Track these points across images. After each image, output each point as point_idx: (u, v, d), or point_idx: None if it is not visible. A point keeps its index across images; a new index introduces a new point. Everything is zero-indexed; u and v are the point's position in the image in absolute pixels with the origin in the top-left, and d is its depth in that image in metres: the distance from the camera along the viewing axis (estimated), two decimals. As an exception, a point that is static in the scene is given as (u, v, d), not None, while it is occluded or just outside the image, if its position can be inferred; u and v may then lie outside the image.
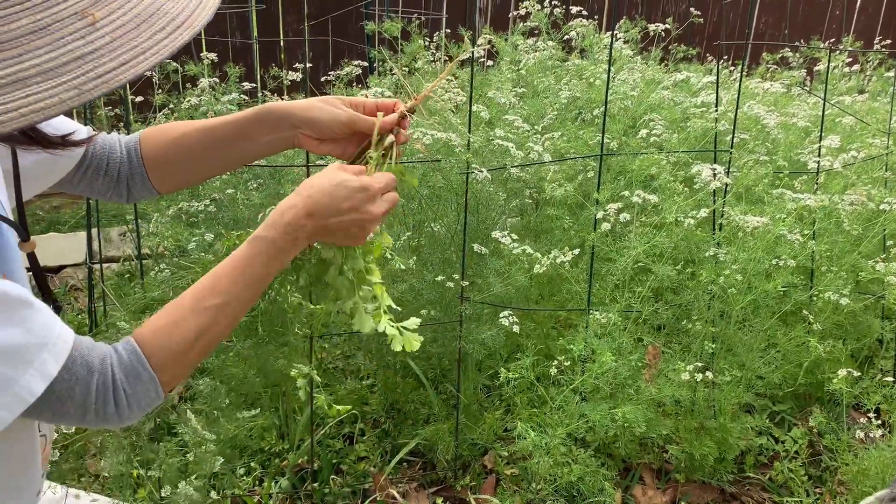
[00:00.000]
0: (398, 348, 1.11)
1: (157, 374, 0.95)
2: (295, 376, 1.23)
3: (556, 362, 2.02)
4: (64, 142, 0.94)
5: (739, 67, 4.09)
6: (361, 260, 1.14)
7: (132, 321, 3.34)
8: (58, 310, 1.23)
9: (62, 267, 4.07)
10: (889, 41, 4.80)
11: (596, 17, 3.33)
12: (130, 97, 3.51)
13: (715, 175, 2.05)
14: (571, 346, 2.04)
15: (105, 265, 3.87)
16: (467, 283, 2.24)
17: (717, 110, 2.47)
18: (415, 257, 2.17)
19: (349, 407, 1.21)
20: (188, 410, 2.67)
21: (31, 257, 1.07)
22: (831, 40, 5.10)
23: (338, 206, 1.05)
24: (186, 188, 2.35)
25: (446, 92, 2.47)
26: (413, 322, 1.14)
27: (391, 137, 1.18)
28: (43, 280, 1.11)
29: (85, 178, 1.21)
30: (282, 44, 5.31)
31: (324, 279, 1.14)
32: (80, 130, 1.16)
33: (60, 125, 1.09)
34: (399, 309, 1.18)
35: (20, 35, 0.67)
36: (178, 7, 0.77)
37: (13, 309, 0.84)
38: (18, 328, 0.84)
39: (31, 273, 1.09)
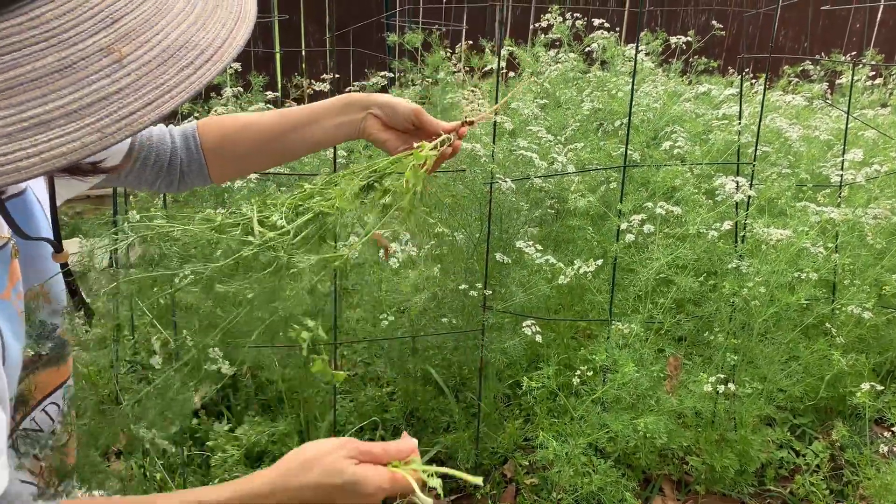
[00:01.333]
0: None
1: None
2: (296, 335, 1.07)
3: (578, 372, 2.03)
4: (95, 169, 0.96)
5: (762, 80, 4.10)
6: None
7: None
8: (89, 317, 1.25)
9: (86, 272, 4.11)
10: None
11: (616, 29, 3.34)
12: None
13: (738, 187, 2.06)
14: (594, 357, 2.05)
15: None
16: (490, 292, 2.25)
17: (740, 123, 2.47)
18: (438, 266, 2.19)
19: (345, 373, 1.11)
20: (209, 417, 2.70)
21: (64, 267, 1.09)
22: (852, 53, 5.09)
23: (327, 494, 0.92)
24: (241, 177, 2.38)
25: (470, 103, 2.50)
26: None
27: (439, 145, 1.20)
28: (75, 289, 1.13)
29: (133, 172, 1.24)
30: (304, 54, 5.37)
31: None
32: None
33: None
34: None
35: (45, 74, 0.65)
36: (209, 37, 0.75)
37: None
38: None
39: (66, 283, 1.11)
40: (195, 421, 2.77)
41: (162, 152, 1.25)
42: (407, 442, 0.98)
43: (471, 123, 1.23)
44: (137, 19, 0.71)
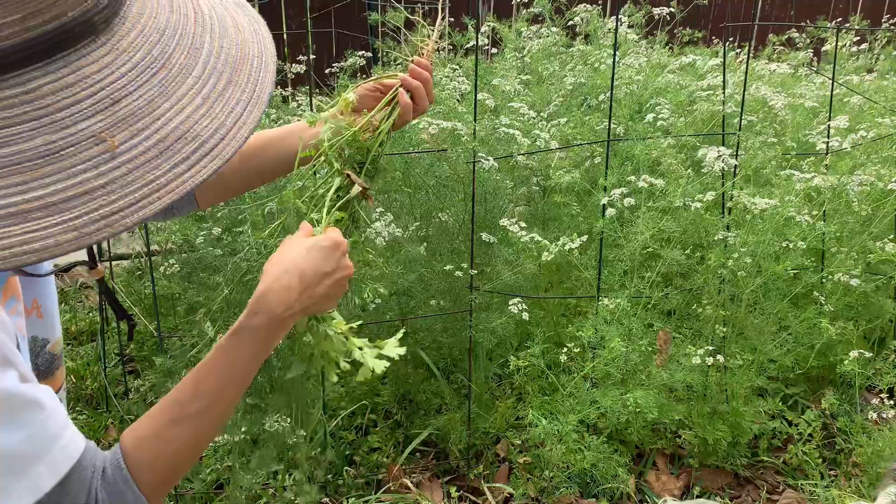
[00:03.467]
0: (361, 378, 1.07)
1: (142, 489, 0.84)
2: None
3: (565, 349, 2.01)
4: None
5: (746, 49, 4.06)
6: (338, 317, 1.11)
7: (144, 317, 3.36)
8: (132, 327, 1.22)
9: (73, 265, 4.08)
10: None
11: (599, 2, 3.30)
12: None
13: (720, 157, 2.04)
14: (580, 333, 2.04)
15: (115, 262, 3.88)
16: (476, 272, 2.23)
17: (724, 93, 2.45)
18: (424, 246, 2.17)
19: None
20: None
21: (101, 282, 1.06)
22: (838, 20, 5.05)
23: (322, 270, 0.97)
24: (225, 200, 2.34)
25: (451, 81, 2.46)
26: (393, 345, 1.11)
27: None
28: (115, 301, 1.10)
29: None
30: (285, 37, 5.30)
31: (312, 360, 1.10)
32: None
33: None
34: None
35: (31, 158, 0.61)
36: (213, 126, 0.70)
37: (17, 411, 0.74)
38: (18, 434, 0.73)
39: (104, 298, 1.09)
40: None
41: None
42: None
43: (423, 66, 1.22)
44: (139, 101, 0.66)
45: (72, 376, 2.99)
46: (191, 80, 0.71)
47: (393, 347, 1.10)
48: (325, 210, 1.08)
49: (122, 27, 0.69)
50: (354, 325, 1.13)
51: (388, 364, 1.08)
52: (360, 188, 1.13)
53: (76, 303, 3.83)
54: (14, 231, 0.60)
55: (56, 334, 1.08)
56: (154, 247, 3.21)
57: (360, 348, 1.09)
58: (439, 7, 1.37)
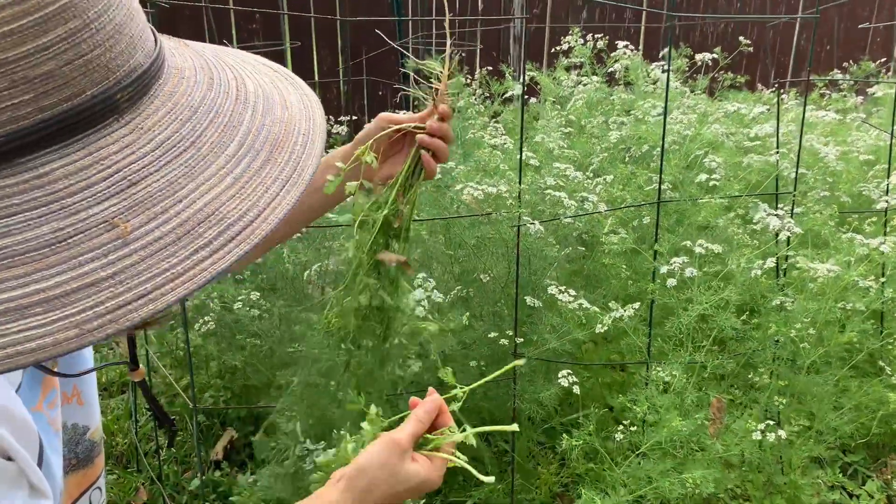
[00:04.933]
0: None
1: None
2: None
3: (620, 427, 1.91)
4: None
5: (793, 95, 3.97)
6: None
7: (174, 369, 3.30)
8: (174, 433, 1.16)
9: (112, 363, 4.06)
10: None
11: (632, 47, 3.23)
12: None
13: (784, 223, 1.94)
14: (634, 407, 1.94)
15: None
16: (521, 339, 2.15)
17: (777, 151, 2.36)
18: (466, 315, 2.09)
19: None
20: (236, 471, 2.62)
21: (142, 385, 0.99)
22: (882, 59, 4.95)
23: (399, 497, 0.95)
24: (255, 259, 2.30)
25: (493, 138, 2.40)
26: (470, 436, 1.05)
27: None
28: (157, 406, 1.04)
29: None
30: (317, 81, 5.30)
31: None
32: None
33: None
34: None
35: (37, 248, 0.55)
36: (243, 207, 0.62)
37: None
38: None
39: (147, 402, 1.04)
40: (217, 473, 2.68)
41: None
42: (433, 402, 1.01)
43: (437, 108, 1.15)
44: (160, 182, 0.59)
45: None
46: (222, 159, 0.63)
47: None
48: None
49: (150, 106, 0.62)
50: None
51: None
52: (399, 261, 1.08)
53: (107, 351, 3.80)
54: (10, 329, 0.54)
55: (96, 421, 1.03)
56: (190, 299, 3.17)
57: None
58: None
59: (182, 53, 0.72)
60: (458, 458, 1.00)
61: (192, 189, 0.61)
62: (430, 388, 1.05)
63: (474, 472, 1.00)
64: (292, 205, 0.65)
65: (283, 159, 0.68)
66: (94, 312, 0.55)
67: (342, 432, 1.06)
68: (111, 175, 0.58)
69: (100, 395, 3.32)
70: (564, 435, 1.84)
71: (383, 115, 1.16)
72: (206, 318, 2.55)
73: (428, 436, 1.01)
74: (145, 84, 0.63)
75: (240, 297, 2.24)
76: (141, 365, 1.01)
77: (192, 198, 0.60)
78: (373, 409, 1.05)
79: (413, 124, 1.16)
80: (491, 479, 1.00)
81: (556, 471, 2.44)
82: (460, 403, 1.06)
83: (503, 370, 1.12)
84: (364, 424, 1.03)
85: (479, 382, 1.11)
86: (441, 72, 1.14)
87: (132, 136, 0.61)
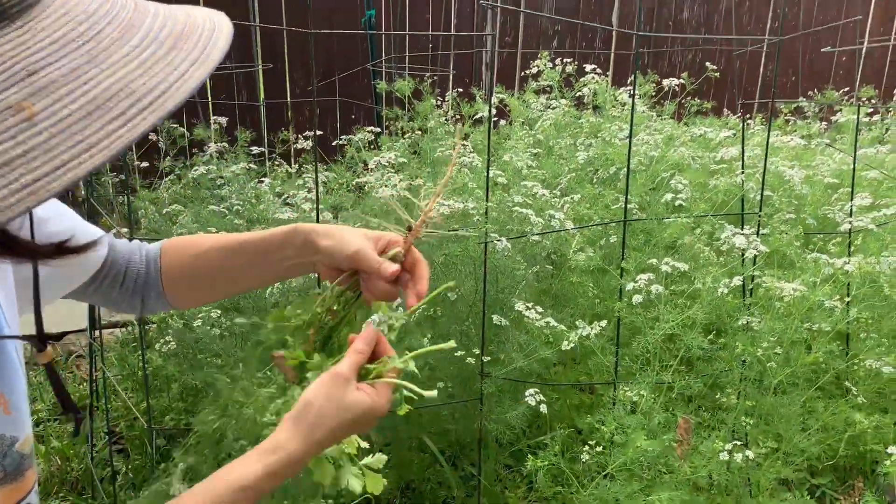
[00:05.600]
0: (359, 490, 1.01)
1: None
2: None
3: (587, 448, 1.89)
4: (60, 249, 0.83)
5: (758, 120, 4.03)
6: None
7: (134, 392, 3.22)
8: (79, 421, 1.12)
9: (65, 333, 3.97)
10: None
11: (605, 74, 3.26)
12: (136, 163, 3.44)
13: (750, 243, 1.94)
14: (601, 427, 1.91)
15: (108, 331, 3.77)
16: (488, 358, 2.12)
17: (742, 172, 2.37)
18: (430, 334, 2.06)
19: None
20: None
21: (49, 367, 0.97)
22: (845, 89, 5.05)
23: (347, 428, 0.95)
24: (203, 304, 2.24)
25: (461, 157, 2.39)
26: (379, 460, 1.05)
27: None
28: (62, 391, 1.01)
29: (100, 291, 1.11)
30: (289, 102, 5.29)
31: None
32: (79, 237, 1.05)
33: (64, 228, 0.99)
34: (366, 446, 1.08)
35: None
36: (152, 83, 0.63)
37: None
38: None
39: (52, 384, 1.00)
40: (177, 498, 2.60)
41: (130, 273, 1.13)
42: (370, 332, 1.00)
43: (403, 256, 1.04)
44: (62, 69, 0.60)
45: (56, 457, 2.84)
46: (126, 48, 0.64)
47: (378, 461, 1.05)
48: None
49: (42, 12, 0.63)
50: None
51: (384, 482, 1.03)
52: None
53: (66, 373, 3.69)
54: None
55: (26, 431, 0.98)
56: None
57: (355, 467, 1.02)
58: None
59: None
60: (401, 383, 0.99)
61: (96, 73, 0.61)
62: (367, 321, 1.03)
63: (417, 389, 0.99)
64: (202, 80, 0.66)
65: (189, 46, 0.68)
66: (8, 190, 0.55)
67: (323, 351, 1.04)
68: (9, 68, 0.58)
69: (56, 419, 3.22)
70: (530, 456, 1.80)
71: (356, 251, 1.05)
72: (166, 338, 2.49)
73: (369, 366, 1.00)
74: None
75: (200, 315, 2.18)
76: (49, 347, 0.96)
77: (99, 79, 0.61)
78: (315, 356, 1.04)
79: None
80: (433, 393, 0.99)
81: (523, 494, 2.40)
82: (396, 332, 1.03)
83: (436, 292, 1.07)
84: (309, 374, 1.01)
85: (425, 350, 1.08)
86: (420, 206, 1.07)
87: (26, 35, 0.61)
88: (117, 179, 3.30)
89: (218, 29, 0.73)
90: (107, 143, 0.59)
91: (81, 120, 0.59)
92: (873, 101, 4.01)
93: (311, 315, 1.06)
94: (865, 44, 6.56)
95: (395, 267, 1.02)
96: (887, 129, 3.90)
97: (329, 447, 0.95)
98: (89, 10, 0.66)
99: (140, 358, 3.35)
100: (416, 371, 1.02)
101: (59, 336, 3.95)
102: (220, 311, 2.22)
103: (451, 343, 1.05)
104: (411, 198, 1.09)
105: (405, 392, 1.02)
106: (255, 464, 0.90)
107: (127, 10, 0.69)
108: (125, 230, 2.70)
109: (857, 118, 2.56)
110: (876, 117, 3.98)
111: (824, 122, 4.08)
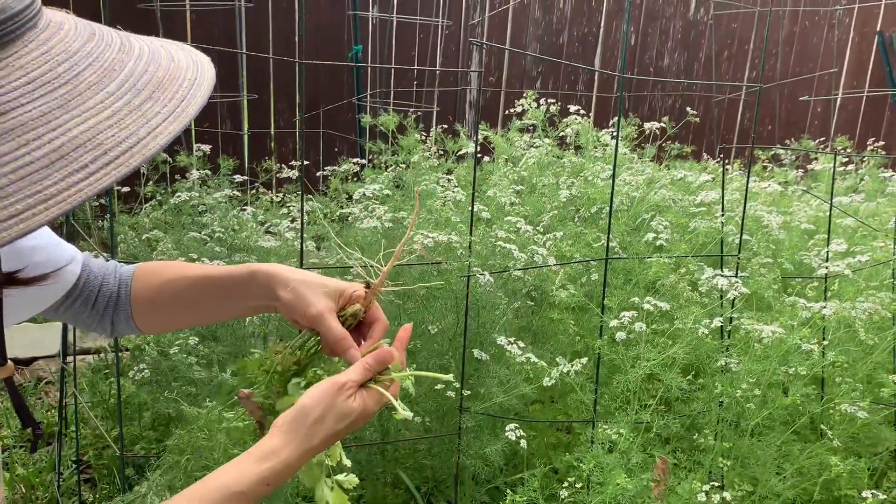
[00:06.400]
0: (329, 502, 1.02)
1: None
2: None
3: (566, 483, 1.87)
4: (10, 280, 0.80)
5: (737, 166, 4.10)
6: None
7: (105, 420, 3.15)
8: (38, 436, 1.10)
9: (34, 359, 3.89)
10: (880, 141, 4.86)
11: (588, 115, 3.32)
12: (116, 187, 3.42)
13: (732, 284, 1.97)
14: (580, 465, 1.90)
15: (80, 357, 3.70)
16: (468, 392, 2.11)
17: (722, 215, 2.41)
18: (413, 366, 2.05)
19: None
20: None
21: (9, 382, 0.95)
22: (821, 139, 5.17)
23: (339, 434, 0.96)
24: (170, 331, 2.20)
25: (445, 191, 2.40)
26: (351, 480, 1.05)
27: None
28: (21, 405, 0.99)
29: (71, 310, 1.10)
30: (273, 133, 5.30)
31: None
32: (59, 261, 1.04)
33: (39, 254, 0.98)
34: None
35: None
36: (121, 136, 0.61)
37: None
38: None
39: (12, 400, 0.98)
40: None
41: (102, 294, 1.12)
42: (387, 354, 0.99)
43: (364, 313, 1.05)
44: (32, 112, 0.58)
45: (21, 485, 2.76)
46: (101, 95, 0.63)
47: (350, 482, 1.06)
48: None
49: (23, 48, 0.62)
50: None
51: None
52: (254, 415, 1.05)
53: (34, 399, 3.61)
54: None
55: None
56: (124, 343, 3.05)
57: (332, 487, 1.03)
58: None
59: (65, 16, 0.70)
60: (390, 397, 0.99)
61: (66, 119, 0.60)
62: (384, 343, 1.03)
63: (401, 407, 0.99)
64: (173, 135, 0.64)
65: (167, 97, 0.67)
66: None
67: (293, 381, 1.03)
68: None
69: (22, 446, 3.14)
70: (509, 491, 1.79)
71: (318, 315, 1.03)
72: (141, 366, 2.45)
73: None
74: (17, 27, 0.62)
75: (177, 342, 2.15)
76: (10, 363, 0.95)
77: (68, 127, 0.59)
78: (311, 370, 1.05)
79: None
80: (409, 413, 0.99)
81: (499, 533, 2.37)
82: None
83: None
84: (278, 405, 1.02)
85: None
86: (378, 268, 1.07)
87: (3, 72, 0.59)
88: (97, 203, 3.27)
89: (200, 77, 0.72)
90: (66, 195, 0.58)
91: (44, 169, 0.58)
92: (848, 151, 4.10)
93: (275, 365, 1.05)
94: (840, 94, 6.74)
95: (355, 355, 1.00)
96: (861, 179, 3.99)
97: (319, 453, 0.96)
98: (71, 50, 0.65)
99: (112, 385, 3.29)
100: (412, 389, 1.02)
101: (29, 361, 3.87)
102: (196, 339, 2.19)
103: (450, 376, 1.07)
104: (370, 262, 1.09)
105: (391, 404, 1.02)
106: (251, 469, 0.89)
107: (112, 49, 0.68)
108: (104, 255, 2.67)
109: (834, 166, 2.61)
110: (850, 167, 4.07)
111: (800, 170, 4.16)
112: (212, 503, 0.85)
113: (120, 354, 2.96)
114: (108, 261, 1.17)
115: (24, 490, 2.75)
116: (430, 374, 1.09)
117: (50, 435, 3.19)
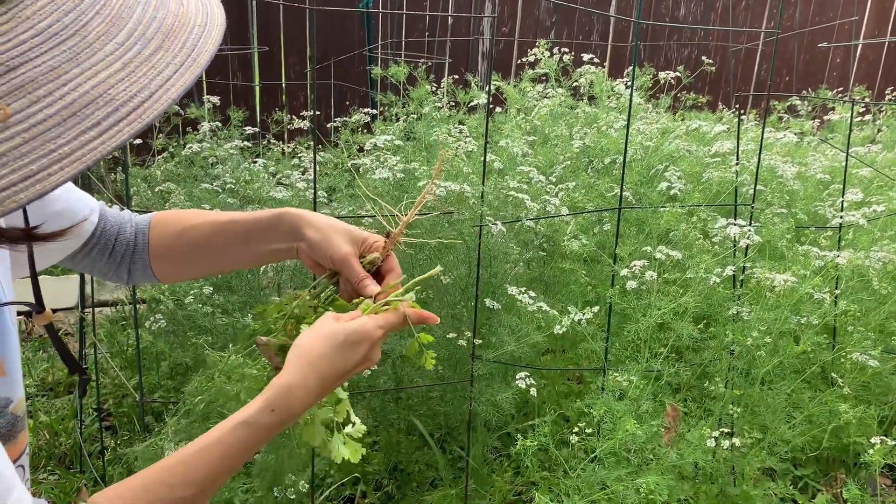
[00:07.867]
0: (340, 459, 1.02)
1: None
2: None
3: (576, 429, 1.90)
4: (28, 235, 0.81)
5: (752, 116, 4.05)
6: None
7: (125, 370, 3.21)
8: (85, 381, 1.12)
9: (54, 311, 3.94)
10: (897, 90, 4.77)
11: (602, 65, 3.27)
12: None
13: (744, 233, 1.96)
14: (591, 411, 1.93)
15: (98, 309, 3.75)
16: (479, 341, 2.13)
17: (737, 163, 2.39)
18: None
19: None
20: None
21: (49, 329, 0.97)
22: (839, 89, 5.08)
23: (347, 368, 0.94)
24: (188, 280, 2.22)
25: (457, 141, 2.39)
26: (358, 429, 1.05)
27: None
28: (66, 352, 1.01)
29: (88, 258, 1.11)
30: (284, 86, 5.27)
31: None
32: (78, 210, 1.05)
33: (57, 204, 0.99)
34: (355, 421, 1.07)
35: None
36: (132, 89, 0.60)
37: None
38: None
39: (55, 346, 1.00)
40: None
41: (120, 243, 1.12)
42: (401, 316, 0.99)
43: (381, 261, 1.06)
44: (42, 67, 0.57)
45: (45, 432, 2.83)
46: (110, 46, 0.61)
47: (358, 430, 1.06)
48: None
49: None
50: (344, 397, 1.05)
51: (363, 452, 1.03)
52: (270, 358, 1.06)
53: (54, 351, 3.68)
54: None
55: (19, 393, 0.98)
56: (141, 295, 3.08)
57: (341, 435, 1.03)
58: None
59: None
60: (395, 298, 0.99)
61: (76, 74, 0.58)
62: (404, 300, 1.01)
63: (411, 304, 0.99)
64: (185, 88, 0.64)
65: (177, 47, 0.65)
66: None
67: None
68: None
69: (45, 394, 3.21)
70: (520, 436, 1.82)
71: (345, 257, 1.05)
72: (157, 316, 2.48)
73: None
74: None
75: (192, 292, 2.18)
76: (48, 308, 0.96)
77: (78, 81, 0.58)
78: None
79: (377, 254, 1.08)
80: (438, 269, 1.02)
81: (510, 479, 2.42)
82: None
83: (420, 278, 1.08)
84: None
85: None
86: (399, 217, 1.08)
87: (9, 24, 0.58)
88: (110, 156, 3.28)
89: (210, 22, 0.71)
90: (79, 154, 0.57)
91: (56, 126, 0.57)
92: (866, 100, 4.03)
93: (292, 309, 1.07)
94: (861, 41, 6.59)
95: (376, 290, 1.02)
96: (879, 129, 3.93)
97: (331, 380, 0.93)
98: None
99: (130, 335, 3.35)
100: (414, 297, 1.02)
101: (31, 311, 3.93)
102: (212, 289, 2.21)
103: (438, 268, 1.08)
104: (391, 209, 1.10)
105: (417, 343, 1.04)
106: (255, 400, 0.89)
107: None
108: (119, 205, 2.69)
109: (852, 115, 2.57)
110: (868, 117, 4.01)
111: (817, 121, 4.10)
112: (221, 434, 0.86)
113: (137, 306, 3.00)
114: (122, 210, 1.18)
115: (47, 437, 2.82)
116: (419, 278, 1.07)
117: (70, 384, 3.26)
